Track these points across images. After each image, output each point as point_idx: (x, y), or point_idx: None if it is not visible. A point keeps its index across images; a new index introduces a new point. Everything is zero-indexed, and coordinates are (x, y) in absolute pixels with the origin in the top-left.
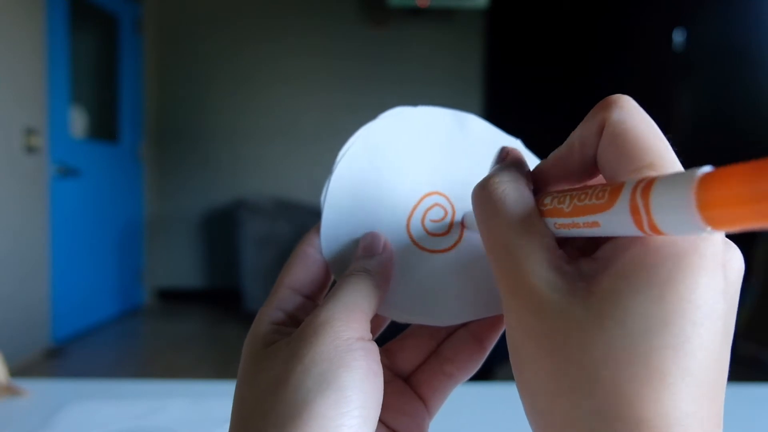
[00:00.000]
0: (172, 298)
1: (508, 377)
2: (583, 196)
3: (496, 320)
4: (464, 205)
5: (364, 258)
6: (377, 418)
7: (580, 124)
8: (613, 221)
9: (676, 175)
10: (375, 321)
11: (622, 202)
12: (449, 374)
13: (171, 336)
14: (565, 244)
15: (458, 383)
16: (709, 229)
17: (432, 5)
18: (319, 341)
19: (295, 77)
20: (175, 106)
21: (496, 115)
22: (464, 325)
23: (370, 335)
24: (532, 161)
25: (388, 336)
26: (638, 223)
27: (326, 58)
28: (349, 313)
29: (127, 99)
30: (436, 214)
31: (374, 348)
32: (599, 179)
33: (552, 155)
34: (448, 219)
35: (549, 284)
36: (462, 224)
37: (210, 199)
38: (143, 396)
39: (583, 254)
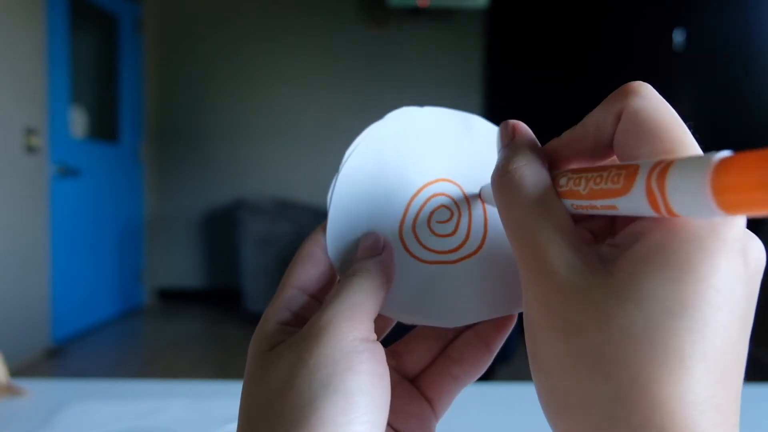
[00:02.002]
0: (172, 298)
1: (509, 377)
2: (598, 179)
3: (502, 322)
4: (470, 204)
5: (365, 258)
6: (385, 422)
7: (598, 107)
8: (630, 204)
9: (691, 159)
10: (381, 322)
11: (638, 186)
12: (456, 376)
13: (171, 336)
14: (583, 228)
15: (465, 385)
16: (722, 213)
17: (432, 5)
18: (324, 343)
19: (295, 77)
20: (175, 106)
21: (496, 115)
22: (471, 326)
23: (375, 336)
24: None
25: (394, 337)
26: (654, 206)
27: (326, 58)
28: (352, 314)
29: (127, 99)
30: (441, 214)
31: (380, 349)
32: (612, 160)
33: (566, 135)
34: (454, 220)
35: (569, 265)
36: (480, 199)
37: (210, 199)
38: (143, 396)
39: (601, 239)
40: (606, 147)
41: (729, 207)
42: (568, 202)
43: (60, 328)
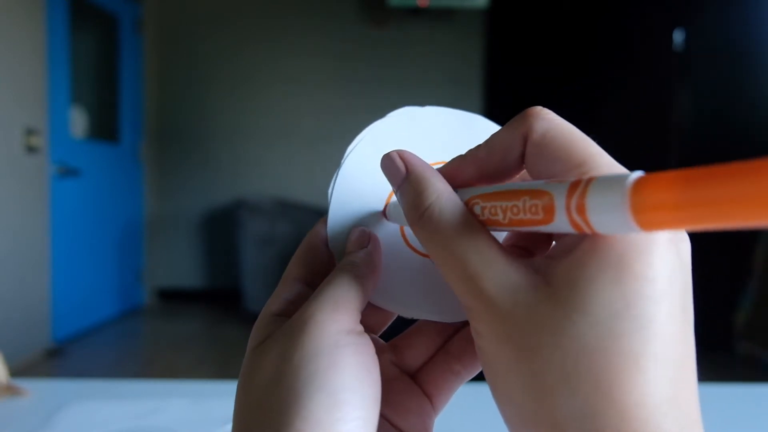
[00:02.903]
0: (172, 298)
1: None
2: (516, 210)
3: None
4: None
5: (351, 253)
6: (377, 417)
7: (501, 130)
8: (555, 229)
9: (605, 184)
10: (381, 316)
11: (560, 217)
12: (456, 372)
13: (171, 336)
14: (511, 246)
15: (465, 380)
16: (643, 231)
17: (432, 5)
18: (306, 338)
19: (295, 77)
20: (175, 106)
21: (496, 115)
22: None
23: (360, 327)
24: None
25: (395, 331)
26: (579, 230)
27: (326, 58)
28: (334, 306)
29: (127, 99)
30: None
31: (365, 341)
32: (517, 179)
33: (469, 154)
34: None
35: (509, 288)
36: (385, 216)
37: (210, 199)
38: (143, 396)
39: (531, 255)
40: (513, 167)
41: (648, 225)
42: (489, 229)
43: (60, 328)
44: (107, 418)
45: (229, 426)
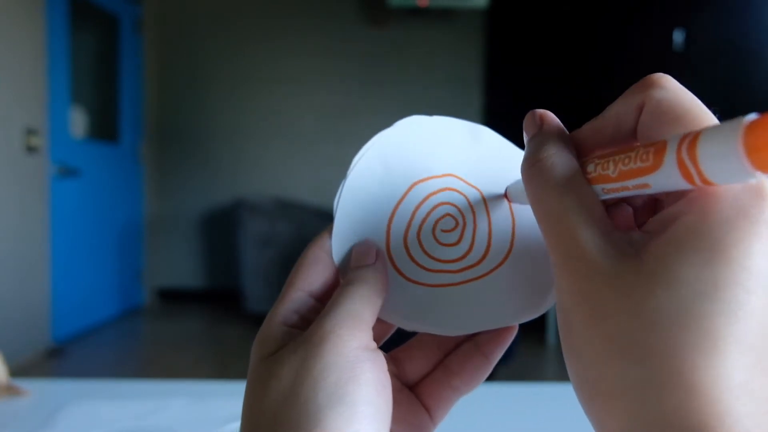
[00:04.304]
0: (172, 298)
1: (509, 377)
2: (627, 160)
3: (502, 333)
4: (475, 214)
5: (359, 266)
6: (388, 430)
7: (618, 99)
8: (662, 180)
9: (719, 126)
10: (381, 328)
11: (669, 160)
12: (455, 387)
13: (171, 336)
14: (613, 216)
15: (463, 395)
16: (757, 173)
17: (432, 5)
18: (327, 351)
19: (295, 77)
20: (175, 106)
21: (496, 115)
22: (471, 337)
23: (375, 344)
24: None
25: (395, 343)
26: (688, 177)
27: (326, 58)
28: (353, 322)
29: (127, 99)
30: (447, 223)
31: (381, 358)
32: None
33: (586, 126)
34: (458, 229)
35: (601, 250)
36: (507, 198)
37: (210, 199)
38: (143, 396)
39: (631, 227)
40: (627, 138)
41: (764, 165)
42: (599, 188)
43: (60, 328)
44: (107, 418)
45: (230, 426)
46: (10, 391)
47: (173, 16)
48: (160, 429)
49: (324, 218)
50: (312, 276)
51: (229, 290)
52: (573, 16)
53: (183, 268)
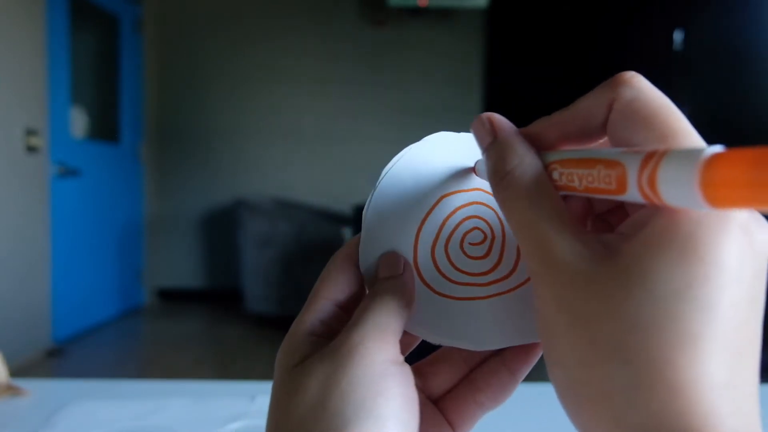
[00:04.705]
0: (172, 298)
1: None
2: (590, 178)
3: (530, 349)
4: (504, 228)
5: (386, 278)
6: None
7: (589, 94)
8: (628, 199)
9: (678, 157)
10: (406, 339)
11: (632, 189)
12: (480, 403)
13: (171, 336)
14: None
15: (488, 411)
16: (711, 207)
17: (432, 5)
18: (355, 364)
19: (295, 77)
20: (175, 106)
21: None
22: (497, 353)
23: (402, 357)
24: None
25: (418, 355)
26: (651, 202)
27: (326, 58)
28: (380, 335)
29: (127, 99)
30: (475, 237)
31: (409, 372)
32: (599, 144)
33: (554, 117)
34: (487, 242)
35: (577, 255)
36: (474, 172)
37: (210, 199)
38: (143, 396)
39: (587, 213)
40: (595, 133)
41: (717, 202)
42: (564, 193)
43: (60, 328)
44: (107, 418)
45: (230, 426)
46: (10, 391)
47: (173, 16)
48: (160, 429)
49: (324, 218)
50: (338, 285)
51: (229, 290)
52: (573, 16)
53: (183, 268)
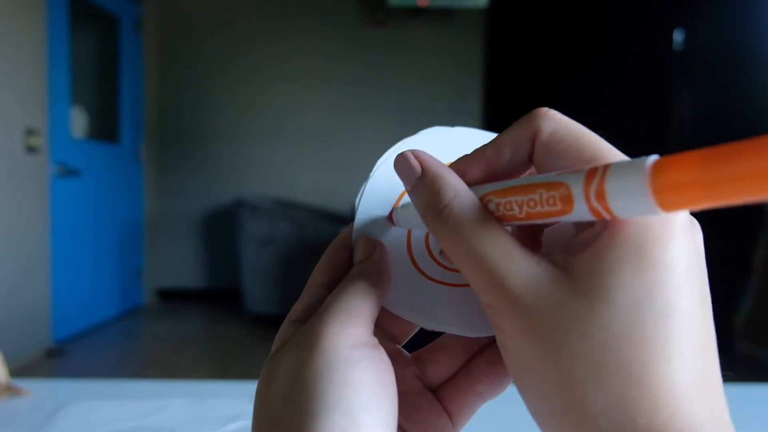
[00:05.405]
0: (172, 298)
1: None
2: (532, 203)
3: None
4: None
5: (358, 262)
6: None
7: (508, 130)
8: (574, 218)
9: (624, 168)
10: (404, 325)
11: (580, 206)
12: (479, 393)
13: (171, 336)
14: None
15: (486, 401)
16: (664, 212)
17: (432, 5)
18: (317, 353)
19: (295, 77)
20: (176, 106)
21: (496, 115)
22: (496, 343)
23: (374, 339)
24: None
25: (419, 343)
26: (599, 217)
27: (326, 57)
28: (345, 319)
29: (127, 99)
30: None
31: (379, 355)
32: (528, 173)
33: (476, 153)
34: None
35: (532, 280)
36: (391, 222)
37: (210, 199)
38: (143, 396)
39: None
40: (521, 165)
41: (670, 206)
42: (506, 225)
43: (60, 328)
44: (107, 418)
45: (230, 426)
46: (10, 391)
47: (173, 16)
48: (160, 429)
49: (324, 218)
50: (330, 271)
51: (229, 290)
52: (573, 15)
53: (183, 268)
